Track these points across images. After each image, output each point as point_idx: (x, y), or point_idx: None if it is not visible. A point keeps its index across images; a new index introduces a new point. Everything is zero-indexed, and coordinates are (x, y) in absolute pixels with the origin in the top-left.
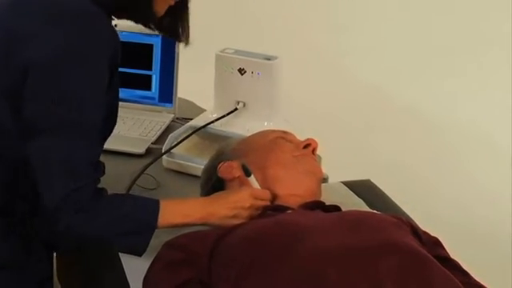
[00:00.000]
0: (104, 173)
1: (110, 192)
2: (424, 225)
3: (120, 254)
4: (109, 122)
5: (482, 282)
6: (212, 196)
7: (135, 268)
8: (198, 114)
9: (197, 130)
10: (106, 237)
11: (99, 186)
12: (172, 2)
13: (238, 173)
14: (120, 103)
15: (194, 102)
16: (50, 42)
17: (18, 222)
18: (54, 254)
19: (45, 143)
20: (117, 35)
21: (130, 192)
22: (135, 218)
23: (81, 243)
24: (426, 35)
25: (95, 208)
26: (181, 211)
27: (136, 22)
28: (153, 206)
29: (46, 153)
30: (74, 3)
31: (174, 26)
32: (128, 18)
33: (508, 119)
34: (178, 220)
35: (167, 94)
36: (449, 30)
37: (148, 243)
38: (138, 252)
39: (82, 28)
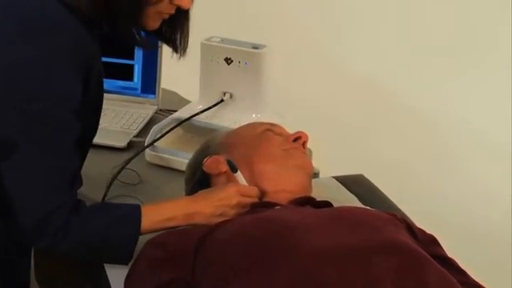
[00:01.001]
0: (82, 184)
1: (89, 189)
2: (419, 222)
3: None
4: (88, 131)
5: (480, 282)
6: (196, 194)
7: (117, 268)
8: (182, 106)
9: (181, 123)
10: (87, 254)
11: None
12: (166, 16)
13: (225, 168)
14: None
15: (179, 92)
16: (16, 54)
17: (14, 224)
18: (32, 255)
19: (15, 162)
20: (90, 44)
21: (112, 187)
22: (116, 233)
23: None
24: (425, 29)
25: (73, 228)
26: (164, 214)
27: (119, 37)
28: (134, 216)
29: (17, 173)
30: (48, 16)
31: (173, 36)
32: (111, 32)
33: (508, 118)
34: (162, 224)
35: (150, 84)
36: (449, 26)
37: (132, 255)
38: (122, 263)
39: (43, 39)
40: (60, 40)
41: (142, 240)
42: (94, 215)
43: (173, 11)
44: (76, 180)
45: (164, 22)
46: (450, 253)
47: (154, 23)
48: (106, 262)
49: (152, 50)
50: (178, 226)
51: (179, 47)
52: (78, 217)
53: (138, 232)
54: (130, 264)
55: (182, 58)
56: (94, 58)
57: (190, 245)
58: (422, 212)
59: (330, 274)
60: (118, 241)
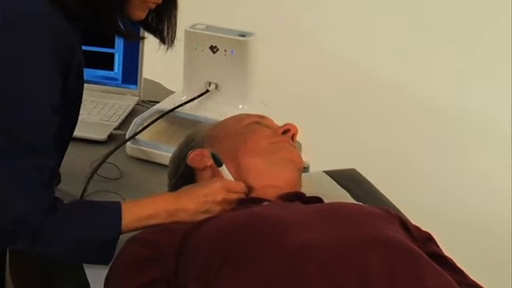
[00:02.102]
0: (60, 181)
1: (67, 184)
2: (415, 218)
3: None
4: (67, 125)
5: (478, 282)
6: (179, 190)
7: (96, 268)
8: (165, 97)
9: (164, 115)
10: (65, 256)
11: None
12: (153, 6)
13: (210, 162)
14: None
15: (161, 83)
16: None
17: None
18: (8, 252)
19: None
20: (71, 37)
21: (91, 183)
22: (96, 232)
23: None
24: (415, 7)
25: (50, 229)
26: (146, 211)
27: (104, 28)
28: (114, 214)
29: None
30: (30, 8)
31: (160, 27)
32: (95, 23)
33: (509, 104)
34: (144, 222)
35: (131, 74)
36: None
37: (113, 255)
38: (102, 263)
39: (23, 34)
40: (40, 34)
41: (122, 238)
42: (72, 214)
43: (160, 0)
44: (54, 178)
45: (150, 11)
46: (447, 250)
47: (140, 13)
48: (86, 263)
49: (137, 41)
50: (160, 224)
51: (166, 38)
52: (54, 217)
53: (118, 231)
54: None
55: (164, 47)
56: (74, 51)
57: (172, 243)
58: (414, 205)
59: (312, 270)
60: (97, 241)
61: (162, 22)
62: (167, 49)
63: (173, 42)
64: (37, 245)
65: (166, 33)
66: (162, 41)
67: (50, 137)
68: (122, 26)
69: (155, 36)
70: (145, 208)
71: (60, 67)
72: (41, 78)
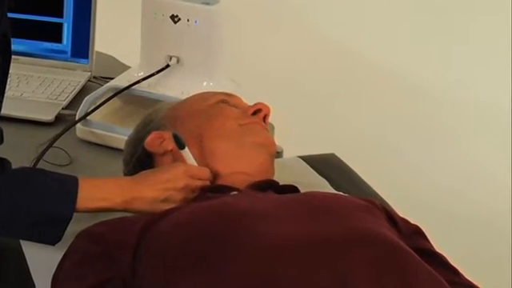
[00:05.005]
0: (2, 140)
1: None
2: (402, 210)
3: (23, 244)
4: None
5: (474, 281)
6: (137, 175)
7: (41, 263)
8: (120, 72)
9: (119, 92)
10: (7, 229)
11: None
12: None
13: (171, 145)
14: (24, 59)
15: (116, 57)
16: None
17: None
18: None
19: None
20: None
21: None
22: (46, 204)
23: None
24: None
25: None
26: (100, 193)
27: None
28: (70, 187)
29: None
30: None
31: None
32: None
33: (508, 85)
34: (96, 204)
35: (82, 46)
36: None
37: (61, 235)
38: (49, 242)
39: None
40: None
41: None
42: (21, 179)
43: None
44: None
45: None
46: (439, 245)
47: None
48: (28, 239)
49: None
50: (112, 209)
51: None
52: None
53: (72, 207)
54: (53, 250)
55: (119, 16)
56: None
57: (130, 237)
58: (401, 195)
59: (288, 271)
60: (47, 215)
61: None
62: None
63: None
64: None
65: None
66: None
67: None
68: None
69: None
70: (99, 188)
71: None
72: None
